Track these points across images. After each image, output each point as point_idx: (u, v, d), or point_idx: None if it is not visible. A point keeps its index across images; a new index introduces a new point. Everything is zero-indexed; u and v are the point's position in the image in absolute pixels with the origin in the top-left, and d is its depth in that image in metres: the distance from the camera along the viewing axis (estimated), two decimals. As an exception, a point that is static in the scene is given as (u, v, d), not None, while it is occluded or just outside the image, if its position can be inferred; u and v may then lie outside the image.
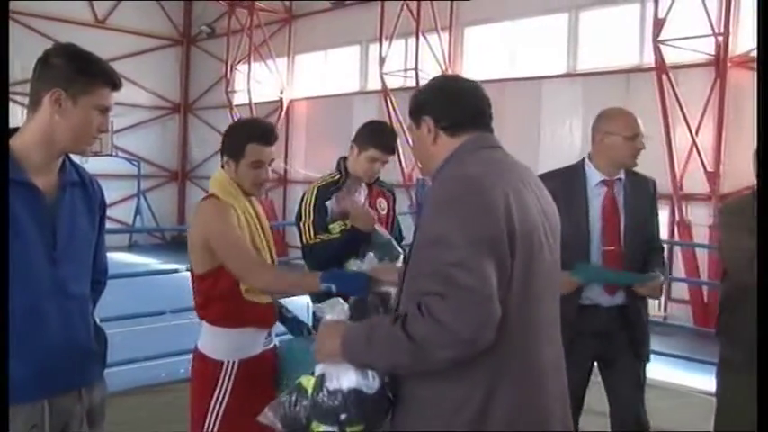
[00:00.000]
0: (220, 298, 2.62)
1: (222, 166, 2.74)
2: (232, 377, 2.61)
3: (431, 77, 7.12)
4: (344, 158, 3.45)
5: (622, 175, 3.24)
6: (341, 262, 3.05)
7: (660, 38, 9.96)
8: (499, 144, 1.91)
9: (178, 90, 20.59)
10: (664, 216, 10.51)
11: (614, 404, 3.37)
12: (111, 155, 16.62)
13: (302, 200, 3.38)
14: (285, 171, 17.38)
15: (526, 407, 1.75)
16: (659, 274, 3.16)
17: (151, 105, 19.78)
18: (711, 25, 9.86)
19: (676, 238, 10.35)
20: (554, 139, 11.87)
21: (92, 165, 13.87)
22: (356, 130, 3.42)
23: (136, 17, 19.05)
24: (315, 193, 3.35)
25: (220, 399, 2.60)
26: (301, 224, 3.32)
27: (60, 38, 17.77)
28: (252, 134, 2.70)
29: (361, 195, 3.41)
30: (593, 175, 3.22)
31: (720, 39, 9.84)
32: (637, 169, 3.30)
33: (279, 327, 2.79)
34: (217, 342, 2.65)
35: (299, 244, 3.39)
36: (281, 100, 17.38)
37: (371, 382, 1.73)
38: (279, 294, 2.72)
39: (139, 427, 4.37)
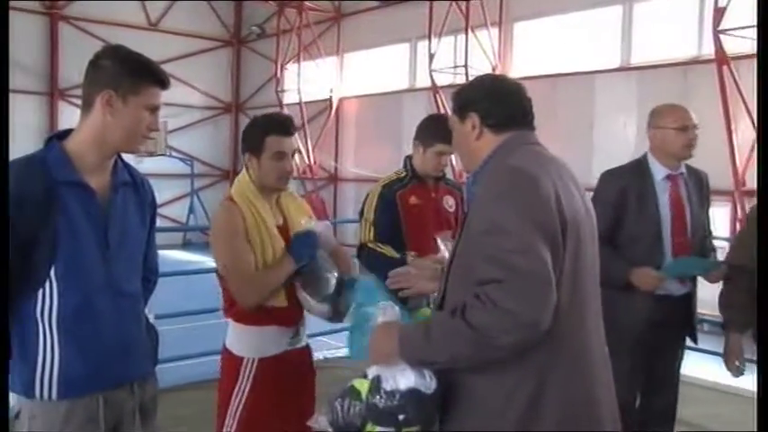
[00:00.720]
0: None
1: (245, 166, 2.74)
2: (251, 374, 2.65)
3: (480, 74, 6.97)
4: (410, 157, 3.47)
5: (684, 169, 3.38)
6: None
7: (720, 27, 9.62)
8: (539, 142, 1.97)
9: (229, 90, 20.87)
10: (725, 212, 10.17)
11: (649, 397, 3.46)
12: (165, 155, 16.97)
13: (367, 197, 3.41)
14: (335, 169, 17.46)
15: (578, 398, 1.78)
16: (717, 260, 3.39)
17: (203, 106, 20.10)
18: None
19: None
20: (607, 135, 11.61)
21: (147, 165, 14.22)
22: (416, 128, 3.43)
23: (188, 19, 19.37)
24: (379, 191, 3.38)
25: (240, 395, 2.65)
26: (363, 221, 3.37)
27: (115, 41, 17.87)
28: (269, 126, 2.71)
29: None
30: (658, 171, 3.33)
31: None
32: (696, 164, 3.42)
33: (309, 328, 2.83)
34: (239, 339, 2.70)
35: (350, 242, 3.40)
36: (330, 98, 17.44)
37: (429, 382, 1.73)
38: (274, 295, 2.67)
39: (190, 422, 4.42)
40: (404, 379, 1.73)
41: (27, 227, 1.92)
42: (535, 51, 12.97)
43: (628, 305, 3.19)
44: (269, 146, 2.66)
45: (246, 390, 2.64)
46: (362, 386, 1.80)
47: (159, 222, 2.48)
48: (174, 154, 18.05)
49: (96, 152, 2.06)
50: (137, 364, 2.19)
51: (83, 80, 2.07)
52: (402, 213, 3.36)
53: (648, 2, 11.27)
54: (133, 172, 2.22)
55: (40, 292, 1.98)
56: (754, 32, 9.43)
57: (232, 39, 20.75)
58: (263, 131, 2.69)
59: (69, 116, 18.05)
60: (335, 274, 2.72)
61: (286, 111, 17.54)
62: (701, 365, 5.15)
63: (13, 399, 2.08)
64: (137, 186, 2.22)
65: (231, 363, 2.69)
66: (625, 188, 3.32)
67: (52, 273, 1.98)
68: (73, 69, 18.08)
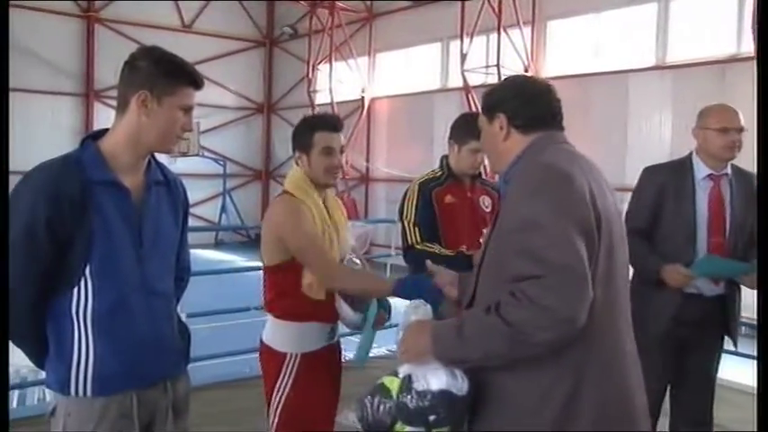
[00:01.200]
0: (287, 292, 2.70)
1: (296, 163, 2.82)
2: (294, 369, 2.68)
3: (512, 74, 6.90)
4: (446, 156, 3.50)
5: (729, 171, 3.32)
6: None
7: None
8: (568, 141, 1.96)
9: (262, 91, 21.04)
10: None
11: (682, 396, 3.43)
12: (198, 155, 17.16)
13: (404, 197, 3.43)
14: (367, 169, 17.49)
15: (613, 397, 1.76)
16: (753, 264, 3.18)
17: (236, 106, 20.29)
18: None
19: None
20: (641, 135, 11.46)
21: (180, 165, 14.39)
22: (450, 128, 3.46)
23: (221, 20, 19.59)
24: (416, 189, 3.41)
25: (282, 390, 2.68)
26: (405, 222, 3.37)
27: (150, 43, 18.19)
28: (317, 123, 2.80)
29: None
30: (701, 170, 3.31)
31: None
32: (736, 163, 3.37)
33: (342, 327, 2.83)
34: (281, 335, 2.73)
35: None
36: (362, 98, 17.49)
37: (461, 384, 1.71)
38: (350, 293, 2.74)
39: (224, 420, 4.44)
40: (435, 379, 1.71)
41: (63, 226, 1.94)
42: (568, 50, 12.87)
43: (657, 301, 3.24)
44: (317, 142, 2.74)
45: (288, 385, 2.68)
46: (393, 384, 1.79)
47: (191, 222, 2.49)
48: (206, 154, 18.26)
49: (131, 152, 2.08)
50: (170, 363, 2.21)
51: (118, 81, 2.09)
52: (437, 211, 3.37)
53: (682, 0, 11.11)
54: (166, 172, 2.23)
55: (75, 290, 2.00)
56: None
57: (264, 39, 20.92)
58: (311, 128, 2.77)
59: (104, 117, 18.36)
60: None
61: (318, 111, 17.65)
62: (741, 369, 5.05)
63: (49, 396, 2.11)
64: (169, 186, 2.23)
65: (273, 359, 2.73)
66: (664, 184, 3.34)
67: (87, 271, 1.99)
68: (108, 71, 18.39)
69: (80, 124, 18.34)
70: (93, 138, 2.11)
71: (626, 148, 11.56)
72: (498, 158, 1.99)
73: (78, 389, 2.02)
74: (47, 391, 2.10)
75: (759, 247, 2.56)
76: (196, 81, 2.11)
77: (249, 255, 15.85)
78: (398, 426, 1.76)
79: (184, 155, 16.91)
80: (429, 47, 15.94)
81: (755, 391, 2.10)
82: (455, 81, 14.74)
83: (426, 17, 15.65)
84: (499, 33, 13.21)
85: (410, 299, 2.41)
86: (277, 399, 2.68)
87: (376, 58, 17.54)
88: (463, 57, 13.84)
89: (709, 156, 3.28)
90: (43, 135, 17.29)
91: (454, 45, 14.72)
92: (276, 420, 2.68)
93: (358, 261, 2.91)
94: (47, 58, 17.58)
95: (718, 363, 3.49)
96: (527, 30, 13.27)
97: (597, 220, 1.72)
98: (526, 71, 13.04)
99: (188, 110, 2.11)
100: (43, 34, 17.34)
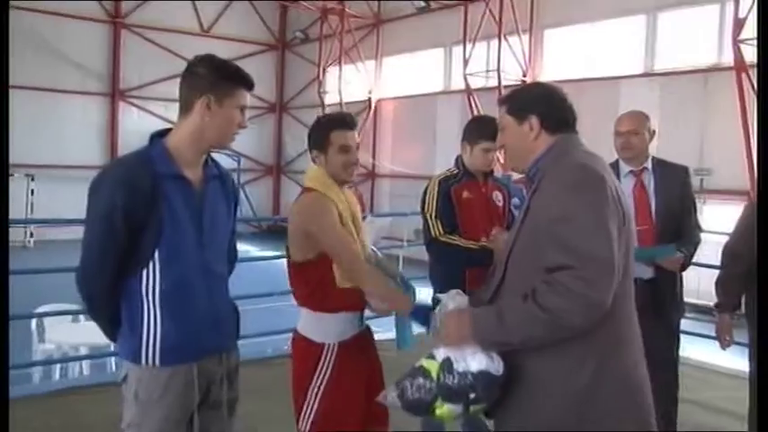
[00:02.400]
0: (320, 285, 2.67)
1: (313, 161, 2.79)
2: (332, 358, 2.69)
3: (512, 78, 7.27)
4: (460, 156, 3.59)
5: (648, 165, 3.57)
6: (463, 267, 3.23)
7: (740, 37, 9.71)
8: (583, 143, 2.07)
9: (274, 91, 21.29)
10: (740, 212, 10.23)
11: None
12: (215, 151, 17.43)
13: (425, 192, 3.52)
14: (373, 166, 17.76)
15: (630, 370, 1.88)
16: (673, 247, 3.37)
17: (250, 105, 20.44)
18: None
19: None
20: (631, 137, 11.70)
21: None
22: (463, 130, 3.54)
23: (237, 25, 19.86)
24: (437, 184, 3.49)
25: (321, 378, 2.69)
26: (427, 216, 3.45)
27: (172, 47, 18.82)
28: (333, 122, 2.78)
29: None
30: (624, 168, 3.56)
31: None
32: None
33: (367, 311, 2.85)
34: (318, 326, 2.72)
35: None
36: (369, 99, 17.77)
37: (497, 365, 1.79)
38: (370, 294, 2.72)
39: (246, 400, 4.66)
40: (475, 362, 1.79)
41: (137, 213, 2.04)
42: (564, 57, 13.13)
43: None
44: (334, 140, 2.72)
45: (328, 372, 2.69)
46: (432, 366, 1.84)
47: None
48: (222, 150, 18.50)
49: (194, 149, 2.16)
50: (225, 337, 2.30)
51: (180, 86, 2.18)
52: (456, 206, 3.45)
53: (671, 11, 11.36)
54: (220, 167, 2.31)
55: (145, 271, 2.10)
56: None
57: (277, 43, 21.17)
58: (327, 128, 2.75)
59: (128, 114, 18.70)
60: (397, 273, 2.79)
61: (327, 110, 17.94)
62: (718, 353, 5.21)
63: (121, 365, 2.22)
64: (223, 180, 2.31)
65: (311, 349, 2.71)
66: None
67: (156, 255, 2.09)
68: (133, 72, 18.74)
69: (106, 122, 18.66)
70: (159, 135, 2.21)
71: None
72: (523, 156, 2.03)
73: (148, 359, 2.12)
74: (119, 361, 2.22)
75: (759, 248, 2.65)
76: (251, 83, 2.23)
77: (261, 245, 16.08)
78: (438, 403, 1.81)
79: (202, 151, 17.23)
80: (433, 51, 16.18)
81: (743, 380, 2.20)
82: (457, 84, 15.00)
83: (431, 23, 15.90)
84: (500, 40, 13.48)
85: (417, 320, 2.52)
86: (316, 387, 2.69)
87: (383, 61, 17.79)
88: (465, 61, 14.10)
89: (618, 154, 3.56)
90: (73, 132, 17.68)
91: (457, 50, 14.96)
92: (316, 407, 2.67)
93: (379, 254, 2.91)
94: (76, 60, 17.91)
95: (676, 342, 3.58)
96: (525, 37, 13.53)
97: (623, 217, 1.83)
98: (524, 76, 13.32)
99: (243, 109, 2.22)
100: (72, 37, 17.68)
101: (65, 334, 5.29)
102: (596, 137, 10.88)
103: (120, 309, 2.16)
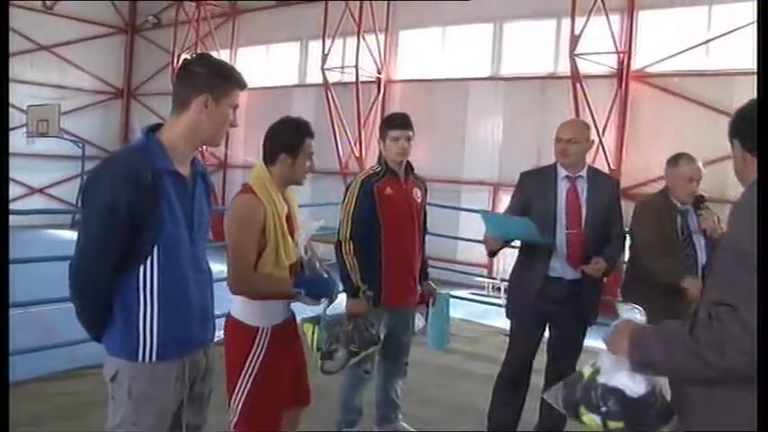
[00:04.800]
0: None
1: (271, 161, 2.85)
2: (266, 341, 2.79)
3: (368, 75, 7.56)
4: (380, 153, 3.80)
5: (584, 173, 3.73)
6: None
7: (576, 52, 10.60)
8: None
9: (122, 76, 20.22)
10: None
11: (552, 362, 3.82)
12: (58, 136, 16.32)
13: (347, 189, 3.65)
14: (225, 156, 17.41)
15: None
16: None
17: (95, 90, 19.37)
18: (615, 44, 10.60)
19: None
20: (478, 136, 12.44)
21: (39, 146, 13.73)
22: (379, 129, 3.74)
23: (83, 5, 18.60)
24: (359, 184, 3.61)
25: (255, 359, 2.77)
26: (343, 214, 3.56)
27: (12, 23, 17.22)
28: (306, 130, 2.89)
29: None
30: (561, 173, 3.72)
31: (623, 56, 10.60)
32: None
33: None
34: (253, 312, 2.81)
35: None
36: (223, 90, 17.33)
37: (636, 387, 1.77)
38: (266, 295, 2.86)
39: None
40: (614, 377, 1.79)
41: (140, 208, 2.03)
42: (417, 57, 13.63)
43: (527, 277, 3.74)
44: (306, 147, 2.83)
45: (262, 354, 2.78)
46: (587, 372, 1.89)
47: (47, 203, 2.37)
48: (65, 136, 17.35)
49: (188, 145, 2.19)
50: (211, 331, 2.34)
51: (174, 83, 2.20)
52: (378, 202, 3.59)
53: (515, 23, 12.17)
54: (200, 164, 2.33)
55: (142, 267, 2.08)
56: (603, 57, 10.50)
57: (127, 27, 20.11)
58: (302, 134, 2.85)
59: None
60: (325, 271, 2.90)
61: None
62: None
63: (109, 363, 2.16)
64: (204, 177, 2.33)
65: (244, 332, 2.80)
66: (532, 185, 3.77)
67: (155, 250, 2.08)
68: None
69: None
70: (151, 130, 2.20)
71: (464, 148, 12.49)
72: (744, 180, 1.89)
73: (145, 356, 2.10)
74: (111, 358, 2.18)
75: (759, 250, 2.78)
76: (244, 83, 2.25)
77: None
78: (582, 409, 1.85)
79: (43, 135, 16.05)
80: (289, 45, 16.15)
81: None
82: (313, 78, 15.08)
83: (288, 16, 15.87)
84: (359, 38, 13.75)
85: (310, 292, 2.74)
86: (251, 367, 2.76)
87: (238, 52, 17.49)
88: (324, 56, 14.22)
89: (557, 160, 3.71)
90: None
91: (313, 44, 15.05)
92: (249, 387, 2.75)
93: (312, 250, 2.95)
94: None
95: (583, 336, 3.83)
96: (381, 36, 13.89)
97: None
98: (379, 73, 13.68)
99: (236, 108, 2.24)
100: None
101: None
102: (446, 134, 11.46)
103: (111, 306, 2.12)
